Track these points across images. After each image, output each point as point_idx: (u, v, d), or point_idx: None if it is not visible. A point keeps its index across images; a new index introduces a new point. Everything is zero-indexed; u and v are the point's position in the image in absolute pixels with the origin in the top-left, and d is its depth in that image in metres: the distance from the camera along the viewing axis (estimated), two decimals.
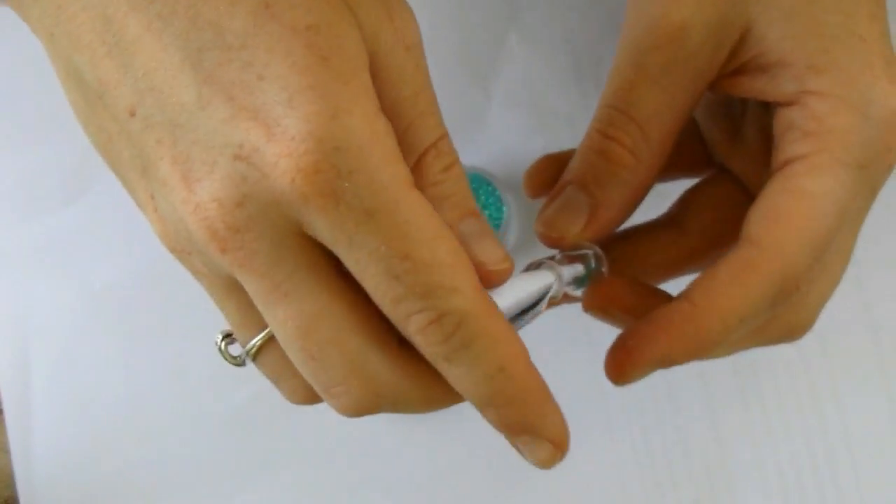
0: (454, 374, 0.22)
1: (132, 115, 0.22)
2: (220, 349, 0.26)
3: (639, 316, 0.27)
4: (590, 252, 0.28)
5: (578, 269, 0.28)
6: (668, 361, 0.26)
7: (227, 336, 0.26)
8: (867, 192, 0.27)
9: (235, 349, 0.25)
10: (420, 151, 0.23)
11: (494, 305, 0.22)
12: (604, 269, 0.28)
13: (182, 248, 0.23)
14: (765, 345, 0.29)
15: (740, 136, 0.31)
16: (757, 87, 0.27)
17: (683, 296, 0.26)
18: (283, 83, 0.20)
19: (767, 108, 0.29)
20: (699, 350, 0.26)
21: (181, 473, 0.41)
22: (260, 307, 0.23)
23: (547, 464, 0.24)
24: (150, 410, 0.42)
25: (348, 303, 0.22)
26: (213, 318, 0.42)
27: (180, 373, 0.42)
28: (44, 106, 0.43)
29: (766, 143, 0.29)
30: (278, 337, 0.23)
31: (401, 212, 0.21)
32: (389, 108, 0.23)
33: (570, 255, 0.28)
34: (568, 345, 0.42)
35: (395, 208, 0.21)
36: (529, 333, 0.42)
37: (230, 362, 0.25)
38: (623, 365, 0.27)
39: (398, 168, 0.21)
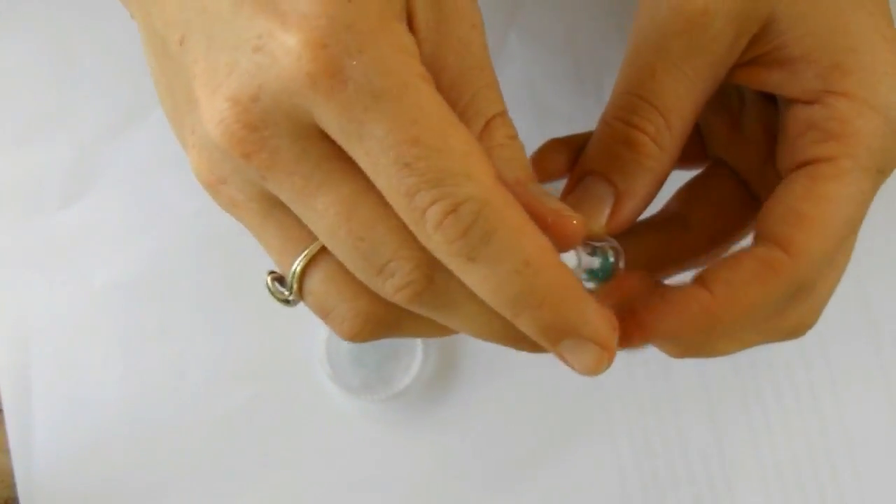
0: (479, 276, 0.22)
1: (181, 43, 0.23)
2: (268, 288, 0.25)
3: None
4: (607, 245, 0.27)
5: (594, 261, 0.27)
6: (671, 340, 0.26)
7: (273, 273, 0.26)
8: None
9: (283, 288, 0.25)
10: (488, 116, 0.24)
11: (513, 198, 0.22)
12: (621, 265, 0.27)
13: (216, 177, 0.23)
14: (770, 341, 0.29)
15: (739, 129, 0.31)
16: (774, 80, 0.27)
17: (702, 282, 0.26)
18: None
19: (769, 102, 0.29)
20: (705, 338, 0.26)
21: (181, 474, 0.41)
22: (298, 209, 0.23)
23: (595, 369, 0.23)
24: (150, 411, 0.41)
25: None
26: (213, 320, 0.42)
27: (180, 373, 0.42)
28: (44, 106, 0.43)
29: (767, 136, 0.29)
30: (322, 234, 0.23)
31: (409, 95, 0.21)
32: (458, 76, 0.23)
33: (588, 245, 0.27)
34: None
35: (403, 92, 0.21)
36: None
37: (279, 300, 0.25)
38: (631, 334, 0.26)
39: (410, 59, 0.21)
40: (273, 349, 0.42)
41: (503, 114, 0.24)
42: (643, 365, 0.42)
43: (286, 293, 0.25)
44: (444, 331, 0.25)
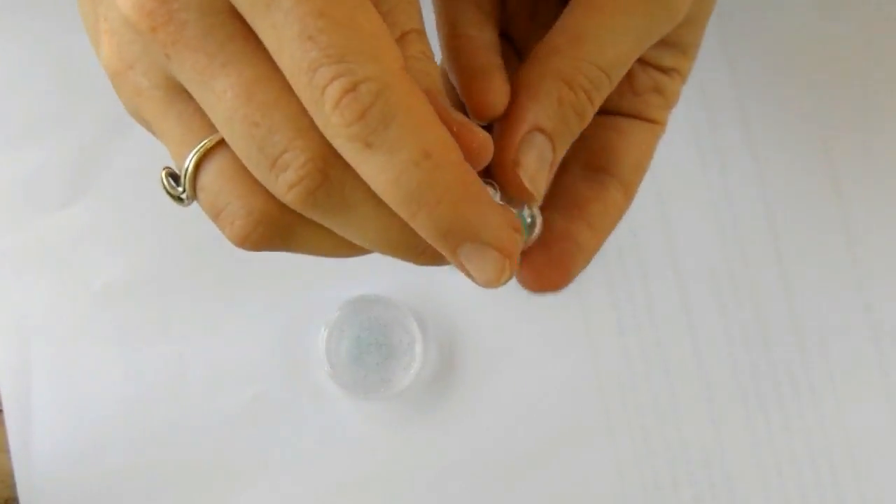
0: (375, 165, 0.21)
1: None
2: (162, 184, 0.25)
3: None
4: (532, 208, 0.27)
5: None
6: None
7: (168, 168, 0.25)
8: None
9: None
10: (405, 29, 0.23)
11: (419, 89, 0.21)
12: (539, 229, 0.27)
13: (125, 63, 0.23)
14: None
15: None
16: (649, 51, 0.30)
17: (586, 220, 0.29)
18: None
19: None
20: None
21: (181, 473, 0.41)
22: (198, 92, 0.22)
23: (496, 279, 0.22)
24: (150, 411, 0.42)
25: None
26: (213, 320, 0.42)
27: (180, 373, 0.42)
28: (43, 106, 0.43)
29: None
30: (219, 119, 0.22)
31: None
32: None
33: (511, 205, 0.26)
34: (567, 344, 0.42)
35: None
36: (528, 334, 0.42)
37: (172, 197, 0.25)
38: (560, 279, 0.29)
39: None
40: (273, 349, 0.42)
41: (421, 31, 0.24)
42: (643, 365, 0.42)
43: (179, 189, 0.24)
44: (338, 248, 0.24)
